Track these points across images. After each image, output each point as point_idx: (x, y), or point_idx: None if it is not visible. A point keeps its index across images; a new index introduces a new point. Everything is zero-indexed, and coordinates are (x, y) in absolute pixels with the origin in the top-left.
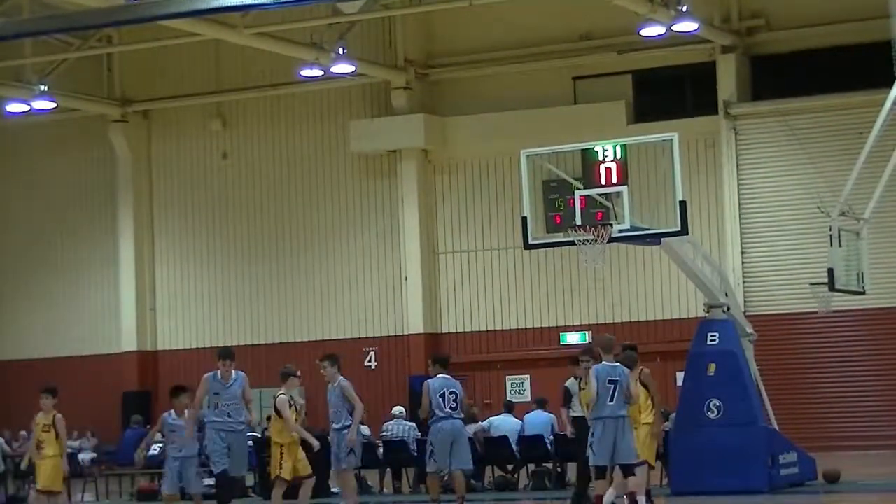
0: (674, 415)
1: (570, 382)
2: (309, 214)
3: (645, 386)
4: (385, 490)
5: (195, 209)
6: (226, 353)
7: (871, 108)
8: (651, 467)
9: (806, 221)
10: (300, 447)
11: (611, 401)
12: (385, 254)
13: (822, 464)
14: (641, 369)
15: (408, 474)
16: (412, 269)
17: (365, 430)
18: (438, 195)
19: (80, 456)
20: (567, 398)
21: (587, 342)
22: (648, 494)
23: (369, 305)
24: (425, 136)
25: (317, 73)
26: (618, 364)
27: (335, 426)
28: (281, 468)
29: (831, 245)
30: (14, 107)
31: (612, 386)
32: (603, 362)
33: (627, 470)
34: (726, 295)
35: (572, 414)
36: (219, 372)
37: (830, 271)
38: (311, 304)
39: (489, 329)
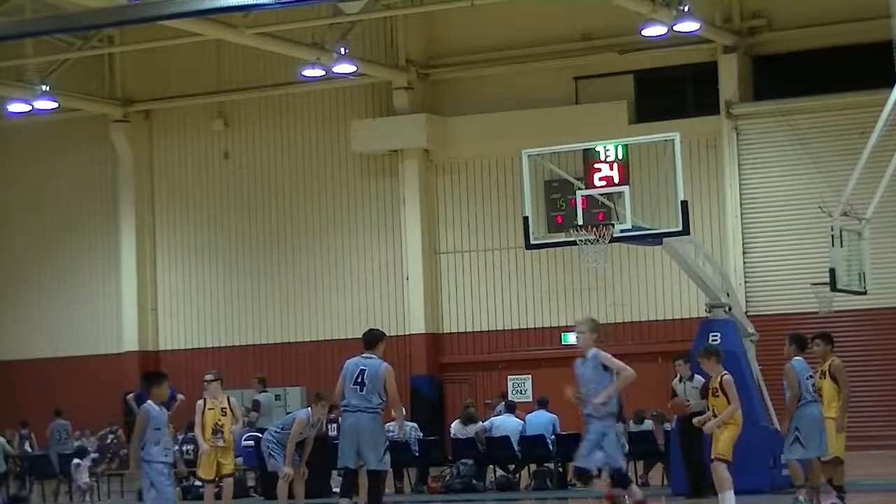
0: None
1: (675, 382)
2: (310, 214)
3: (833, 378)
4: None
5: (197, 209)
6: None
7: (873, 108)
8: (840, 462)
9: (807, 221)
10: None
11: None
12: (386, 254)
13: None
14: (832, 360)
15: (409, 474)
16: (413, 269)
17: None
18: (440, 195)
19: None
20: (673, 396)
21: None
22: (841, 488)
23: (370, 305)
24: (427, 136)
25: (318, 73)
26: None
27: None
28: None
29: (833, 245)
30: (16, 107)
31: (811, 380)
32: (796, 357)
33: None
34: (728, 295)
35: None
36: None
37: (832, 271)
38: (313, 304)
39: (490, 329)
